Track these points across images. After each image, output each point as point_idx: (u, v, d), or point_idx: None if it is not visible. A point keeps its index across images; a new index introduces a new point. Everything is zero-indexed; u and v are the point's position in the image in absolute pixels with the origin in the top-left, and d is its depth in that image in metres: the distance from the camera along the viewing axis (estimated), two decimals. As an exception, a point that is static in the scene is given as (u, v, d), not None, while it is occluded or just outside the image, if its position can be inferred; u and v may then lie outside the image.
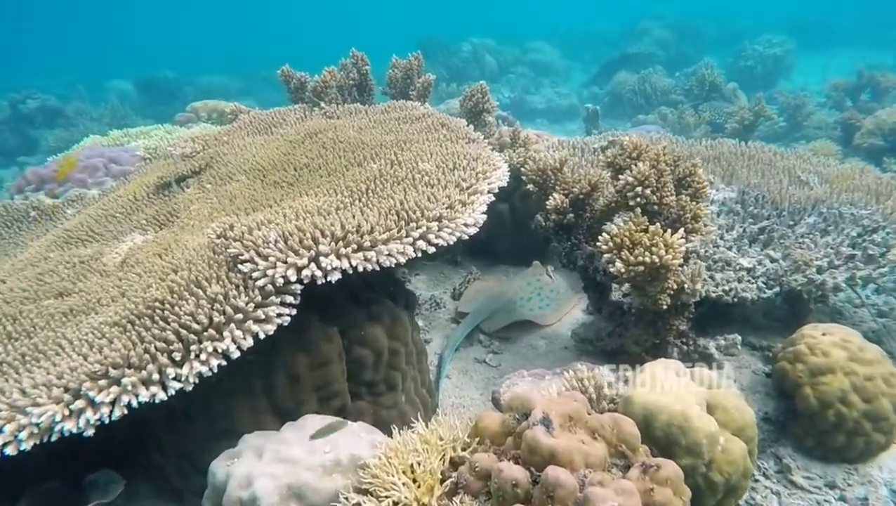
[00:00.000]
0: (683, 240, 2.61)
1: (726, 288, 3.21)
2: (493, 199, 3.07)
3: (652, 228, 2.68)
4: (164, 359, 2.08)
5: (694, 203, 2.95)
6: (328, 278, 2.32)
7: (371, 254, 2.38)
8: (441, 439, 1.99)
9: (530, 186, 3.63)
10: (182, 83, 17.80)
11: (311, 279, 2.32)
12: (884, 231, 3.68)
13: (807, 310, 3.53)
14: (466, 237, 2.70)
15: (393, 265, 2.43)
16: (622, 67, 14.06)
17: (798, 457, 2.93)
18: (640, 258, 2.61)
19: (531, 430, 1.79)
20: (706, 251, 3.60)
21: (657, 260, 2.57)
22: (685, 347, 3.22)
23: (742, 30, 18.66)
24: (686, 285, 2.87)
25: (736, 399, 2.25)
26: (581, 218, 3.42)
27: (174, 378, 2.06)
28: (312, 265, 2.31)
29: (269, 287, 2.30)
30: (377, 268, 2.39)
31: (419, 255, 2.52)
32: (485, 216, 2.86)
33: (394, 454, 1.95)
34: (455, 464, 1.95)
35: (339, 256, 2.36)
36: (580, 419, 1.89)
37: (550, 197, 3.34)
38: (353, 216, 2.59)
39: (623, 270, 2.66)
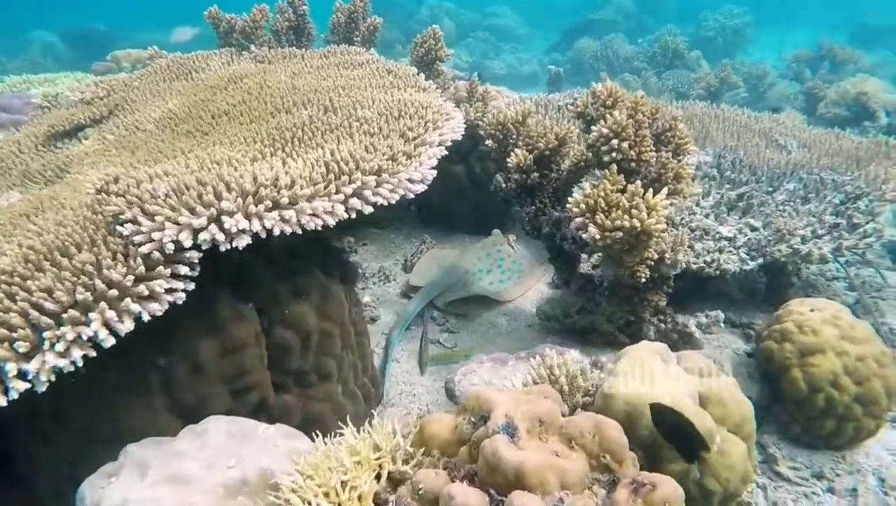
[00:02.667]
0: (668, 202, 2.21)
1: (708, 259, 2.86)
2: (445, 153, 2.61)
3: (631, 187, 2.27)
4: (1, 351, 1.55)
5: (675, 161, 2.56)
6: (234, 244, 1.83)
7: (290, 213, 1.88)
8: (378, 450, 1.55)
9: (489, 142, 3.18)
10: (116, 38, 16.37)
11: (212, 244, 1.82)
12: (868, 198, 3.40)
13: (788, 283, 3.23)
14: (412, 196, 2.23)
15: (319, 227, 1.94)
16: (584, 34, 13.63)
17: (783, 445, 2.64)
18: (618, 222, 2.21)
19: (491, 440, 1.37)
20: (682, 218, 3.24)
21: (638, 225, 2.17)
22: (663, 326, 2.87)
23: (703, 2, 18.42)
24: (667, 255, 2.49)
25: (733, 389, 1.89)
26: (546, 179, 2.99)
27: (16, 375, 1.54)
28: (213, 227, 1.81)
29: (157, 255, 1.79)
30: (298, 230, 1.91)
31: (352, 215, 2.04)
32: (434, 172, 2.40)
33: (314, 471, 1.50)
34: (395, 481, 1.52)
35: (248, 216, 1.86)
36: (553, 423, 1.48)
37: (512, 154, 2.90)
38: (272, 168, 2.08)
39: (597, 236, 2.25)
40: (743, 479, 1.76)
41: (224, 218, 1.82)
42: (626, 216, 2.18)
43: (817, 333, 2.56)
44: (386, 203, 2.14)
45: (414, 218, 4.78)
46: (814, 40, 12.82)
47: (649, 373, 1.86)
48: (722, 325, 2.87)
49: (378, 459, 1.54)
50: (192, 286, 1.82)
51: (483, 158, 4.25)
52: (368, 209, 2.08)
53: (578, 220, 2.32)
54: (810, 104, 7.51)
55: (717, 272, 2.88)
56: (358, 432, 1.64)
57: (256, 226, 1.83)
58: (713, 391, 1.84)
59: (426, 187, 2.33)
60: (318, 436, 1.69)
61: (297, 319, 2.19)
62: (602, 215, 2.24)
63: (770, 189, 3.53)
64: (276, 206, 1.91)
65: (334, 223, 1.99)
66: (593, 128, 2.48)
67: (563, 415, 1.53)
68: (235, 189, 1.90)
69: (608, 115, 2.45)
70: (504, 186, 3.13)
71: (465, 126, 2.95)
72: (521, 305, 3.66)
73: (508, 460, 1.31)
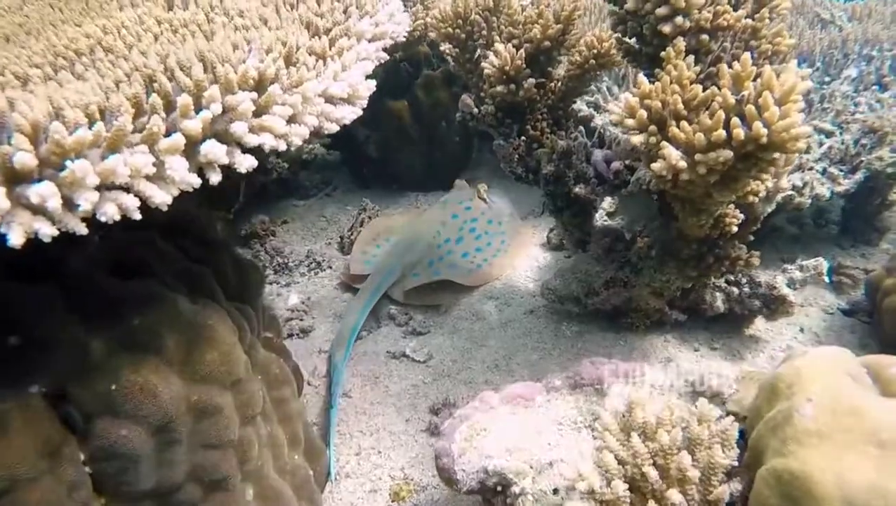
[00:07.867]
0: (807, 84, 1.22)
1: (798, 183, 1.92)
2: (385, 56, 1.54)
3: (729, 71, 1.26)
4: None
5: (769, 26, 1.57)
6: None
7: (31, 193, 0.78)
8: None
9: (445, 47, 2.11)
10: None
11: None
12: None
13: (884, 204, 2.34)
14: (334, 128, 1.16)
15: (132, 214, 0.85)
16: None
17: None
18: (720, 133, 1.20)
19: None
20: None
21: (762, 133, 1.17)
22: (735, 290, 1.93)
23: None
24: (767, 185, 1.52)
25: None
26: (543, 89, 1.95)
27: None
28: None
29: None
30: (79, 228, 0.81)
31: (212, 179, 0.95)
32: (371, 85, 1.33)
33: None
34: None
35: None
36: None
37: (491, 53, 1.85)
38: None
39: (683, 165, 1.24)
40: None
41: None
42: (734, 118, 1.18)
43: None
44: (285, 147, 1.05)
45: (347, 178, 3.66)
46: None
47: (873, 424, 0.90)
48: (826, 279, 1.96)
49: None
50: None
51: (432, 86, 3.18)
52: (246, 162, 1.00)
53: (638, 138, 1.30)
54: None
55: (810, 200, 1.96)
56: None
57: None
58: None
59: (360, 112, 1.26)
60: None
61: (138, 395, 1.11)
62: (682, 126, 1.24)
63: (827, 79, 2.61)
64: (13, 178, 0.80)
65: (168, 202, 0.89)
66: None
67: None
68: None
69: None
70: (476, 110, 2.08)
71: (405, 33, 1.88)
72: (513, 279, 2.67)
73: None
